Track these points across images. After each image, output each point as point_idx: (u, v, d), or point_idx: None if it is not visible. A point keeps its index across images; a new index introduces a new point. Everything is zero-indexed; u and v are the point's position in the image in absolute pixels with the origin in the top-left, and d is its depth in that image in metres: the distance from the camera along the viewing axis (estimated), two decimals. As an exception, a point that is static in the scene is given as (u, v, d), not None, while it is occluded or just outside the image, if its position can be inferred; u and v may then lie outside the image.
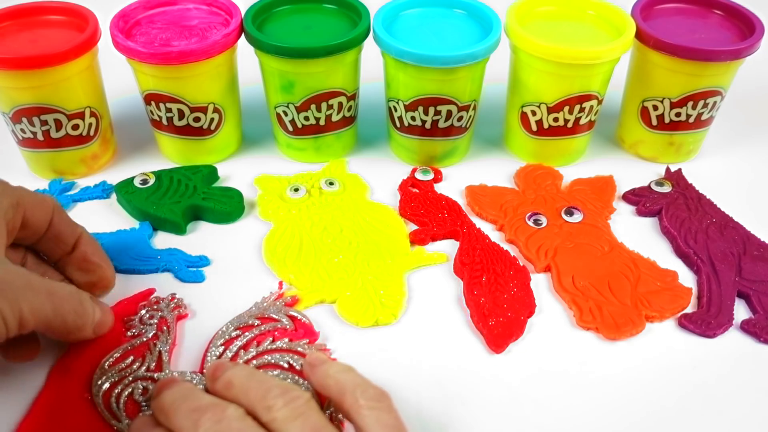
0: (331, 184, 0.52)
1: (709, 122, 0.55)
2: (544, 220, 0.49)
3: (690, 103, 0.53)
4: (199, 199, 0.50)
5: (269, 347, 0.40)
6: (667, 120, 0.54)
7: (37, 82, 0.48)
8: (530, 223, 0.49)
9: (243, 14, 0.52)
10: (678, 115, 0.54)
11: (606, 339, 0.42)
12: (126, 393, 0.37)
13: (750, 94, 0.65)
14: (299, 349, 0.40)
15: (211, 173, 0.53)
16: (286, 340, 0.40)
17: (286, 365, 0.38)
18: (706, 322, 0.43)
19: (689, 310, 0.44)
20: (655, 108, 0.54)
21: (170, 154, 0.56)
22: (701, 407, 0.38)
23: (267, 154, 0.57)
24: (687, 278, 0.46)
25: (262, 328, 0.41)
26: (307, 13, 0.54)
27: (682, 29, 0.53)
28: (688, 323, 0.43)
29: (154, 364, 0.39)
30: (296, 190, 0.51)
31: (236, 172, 0.55)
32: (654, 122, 0.55)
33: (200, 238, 0.49)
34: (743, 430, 0.37)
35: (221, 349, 0.39)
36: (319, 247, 0.47)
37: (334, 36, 0.50)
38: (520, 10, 0.53)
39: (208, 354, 0.39)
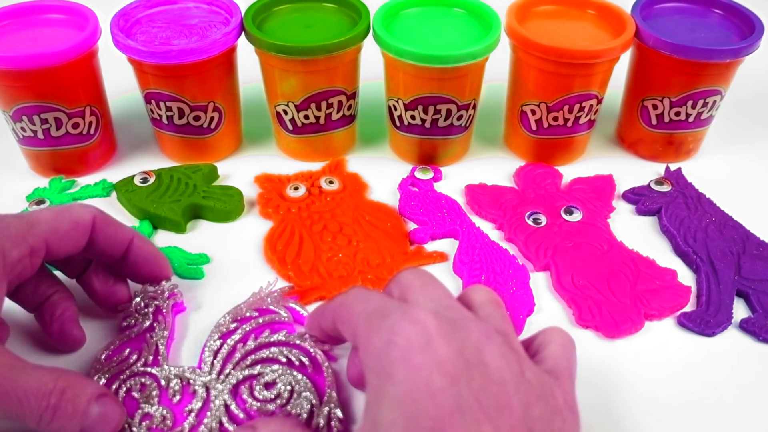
0: (331, 182, 0.52)
1: (708, 121, 0.55)
2: (543, 219, 0.49)
3: (690, 102, 0.53)
4: (199, 197, 0.50)
5: (267, 340, 0.39)
6: (666, 119, 0.54)
7: (37, 81, 0.48)
8: (529, 222, 0.49)
9: (243, 13, 0.52)
10: (678, 114, 0.54)
11: (605, 337, 0.42)
12: (123, 390, 0.36)
13: (750, 94, 0.65)
14: (297, 341, 0.39)
15: (211, 172, 0.53)
16: (284, 332, 0.39)
17: (284, 359, 0.38)
18: (705, 320, 0.43)
19: (688, 308, 0.44)
20: (655, 107, 0.54)
21: (170, 152, 0.56)
22: (700, 406, 0.39)
23: (267, 153, 0.57)
24: (686, 277, 0.46)
25: (260, 321, 0.40)
26: (307, 11, 0.54)
27: (681, 28, 0.53)
28: (687, 322, 0.43)
29: (151, 357, 0.38)
30: (296, 188, 0.51)
31: (236, 171, 0.55)
32: (654, 121, 0.55)
33: (200, 237, 0.49)
34: (742, 429, 0.37)
35: (219, 342, 0.39)
36: (318, 246, 0.47)
37: (333, 35, 0.50)
38: (520, 9, 0.53)
39: (206, 347, 0.39)
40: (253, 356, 0.38)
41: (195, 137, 0.54)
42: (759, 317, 0.43)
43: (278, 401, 0.36)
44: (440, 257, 0.47)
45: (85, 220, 0.37)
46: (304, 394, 0.36)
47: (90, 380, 0.34)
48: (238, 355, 0.38)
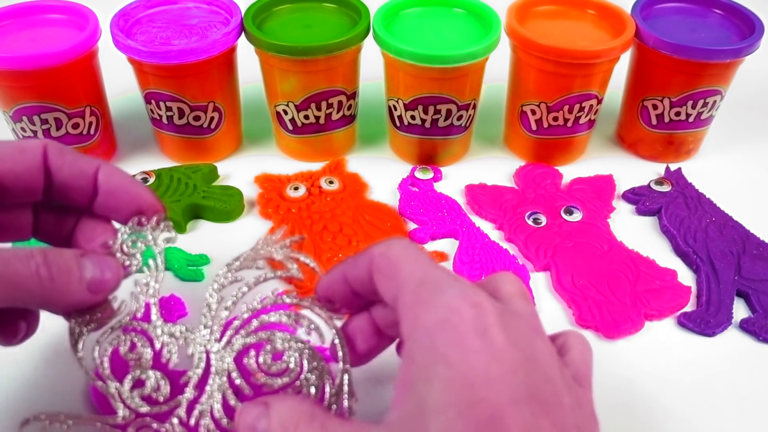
0: (331, 182, 0.52)
1: (708, 121, 0.55)
2: (543, 219, 0.49)
3: (690, 103, 0.53)
4: (199, 197, 0.50)
5: (274, 301, 0.33)
6: (666, 119, 0.54)
7: (37, 81, 0.48)
8: (529, 222, 0.49)
9: (243, 13, 0.52)
10: (678, 114, 0.54)
11: (605, 338, 0.42)
12: (107, 343, 0.32)
13: (750, 94, 0.65)
14: (308, 305, 0.33)
15: (211, 172, 0.53)
16: (294, 294, 0.34)
17: (292, 326, 0.33)
18: (705, 320, 0.43)
19: (688, 308, 0.44)
20: (655, 107, 0.54)
21: (170, 152, 0.56)
22: (700, 406, 0.39)
23: (267, 153, 0.57)
24: (686, 277, 0.46)
25: (266, 275, 0.34)
26: (307, 11, 0.54)
27: (681, 29, 0.53)
28: (687, 322, 0.43)
29: (143, 309, 0.32)
30: (296, 188, 0.51)
31: (236, 171, 0.55)
32: (654, 121, 0.55)
33: (200, 237, 0.49)
34: (742, 429, 0.38)
35: (217, 297, 0.33)
36: (318, 246, 0.47)
37: (333, 35, 0.50)
38: (520, 9, 0.53)
39: (205, 304, 0.33)
40: (257, 320, 0.33)
41: (195, 137, 0.54)
42: (759, 317, 0.43)
43: (287, 375, 0.32)
44: (440, 257, 0.47)
45: (33, 146, 0.32)
46: (315, 368, 0.32)
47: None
48: (242, 316, 0.33)
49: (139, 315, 0.32)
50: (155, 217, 0.34)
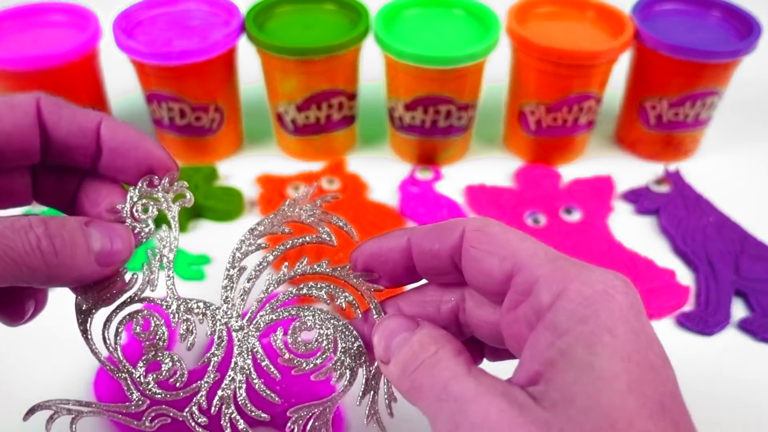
0: (332, 182, 0.52)
1: (707, 121, 0.55)
2: (542, 219, 0.50)
3: (688, 103, 0.53)
4: (200, 197, 0.50)
5: (303, 270, 0.29)
6: (665, 119, 0.55)
7: (39, 82, 0.48)
8: (529, 222, 0.50)
9: (244, 14, 0.52)
10: (676, 114, 0.54)
11: (604, 337, 0.42)
12: (118, 321, 0.29)
13: (748, 94, 0.65)
14: (338, 274, 0.29)
15: (212, 172, 0.54)
16: (327, 261, 0.29)
17: (324, 297, 0.29)
18: (703, 320, 0.43)
19: (687, 308, 0.44)
20: (654, 107, 0.54)
21: (171, 153, 0.56)
22: (699, 405, 0.39)
23: (268, 153, 0.58)
24: (685, 276, 0.47)
25: (295, 242, 0.30)
26: (307, 12, 0.54)
27: (680, 30, 0.53)
28: (685, 321, 0.43)
29: (156, 282, 0.29)
30: (297, 188, 0.52)
31: (237, 171, 0.55)
32: (652, 121, 0.55)
33: (200, 237, 0.49)
34: (741, 428, 0.38)
35: (239, 268, 0.29)
36: (319, 246, 0.47)
37: (334, 35, 0.50)
38: (520, 10, 0.54)
39: (225, 275, 0.29)
40: (284, 293, 0.29)
41: (196, 138, 0.54)
42: (757, 316, 0.43)
43: (319, 356, 0.28)
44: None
45: (24, 101, 0.29)
46: (349, 349, 0.28)
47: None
48: (267, 289, 0.29)
49: (152, 289, 0.29)
50: (167, 177, 0.30)
